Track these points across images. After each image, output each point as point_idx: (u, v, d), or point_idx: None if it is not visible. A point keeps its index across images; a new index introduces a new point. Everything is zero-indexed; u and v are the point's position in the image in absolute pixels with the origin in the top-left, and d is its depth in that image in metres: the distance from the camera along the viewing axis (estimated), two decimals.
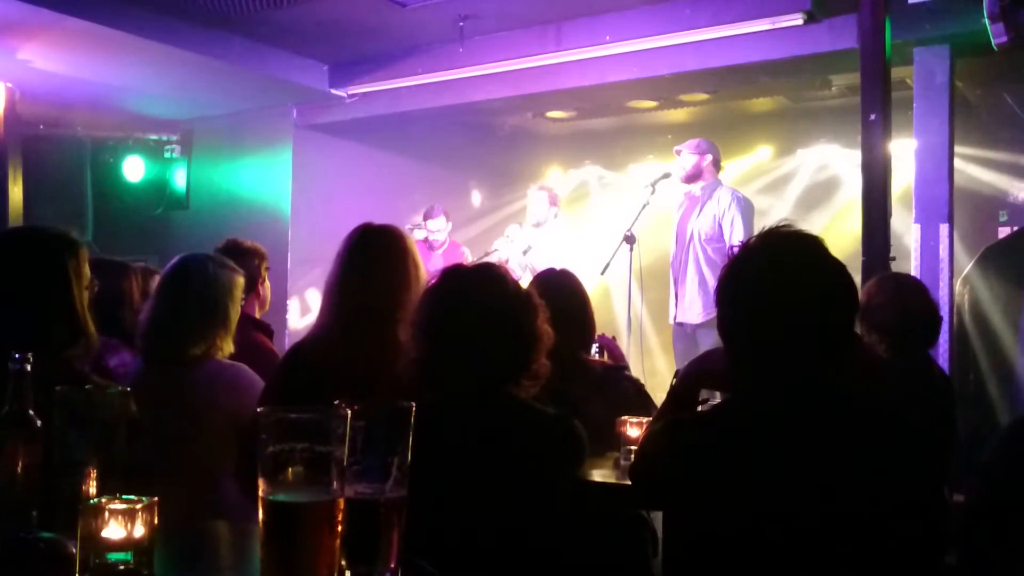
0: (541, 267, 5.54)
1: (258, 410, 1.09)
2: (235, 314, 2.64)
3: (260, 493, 1.06)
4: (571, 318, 2.73)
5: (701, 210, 5.51)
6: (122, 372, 2.82)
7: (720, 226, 5.40)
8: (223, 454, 2.41)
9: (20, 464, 1.37)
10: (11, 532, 1.29)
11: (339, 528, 1.09)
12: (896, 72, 4.44)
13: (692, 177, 5.59)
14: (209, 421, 2.44)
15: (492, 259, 5.86)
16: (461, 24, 5.62)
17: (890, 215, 4.14)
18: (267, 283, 3.49)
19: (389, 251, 2.41)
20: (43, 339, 1.83)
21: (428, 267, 5.71)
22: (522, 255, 6.11)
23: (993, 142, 6.45)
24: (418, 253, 2.48)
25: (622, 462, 2.36)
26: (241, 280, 2.69)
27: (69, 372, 1.85)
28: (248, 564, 1.48)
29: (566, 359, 2.42)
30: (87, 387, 1.49)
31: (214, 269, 2.62)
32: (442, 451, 1.69)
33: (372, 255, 2.41)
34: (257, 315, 3.43)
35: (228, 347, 2.60)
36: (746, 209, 5.45)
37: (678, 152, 5.67)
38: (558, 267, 3.14)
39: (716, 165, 5.63)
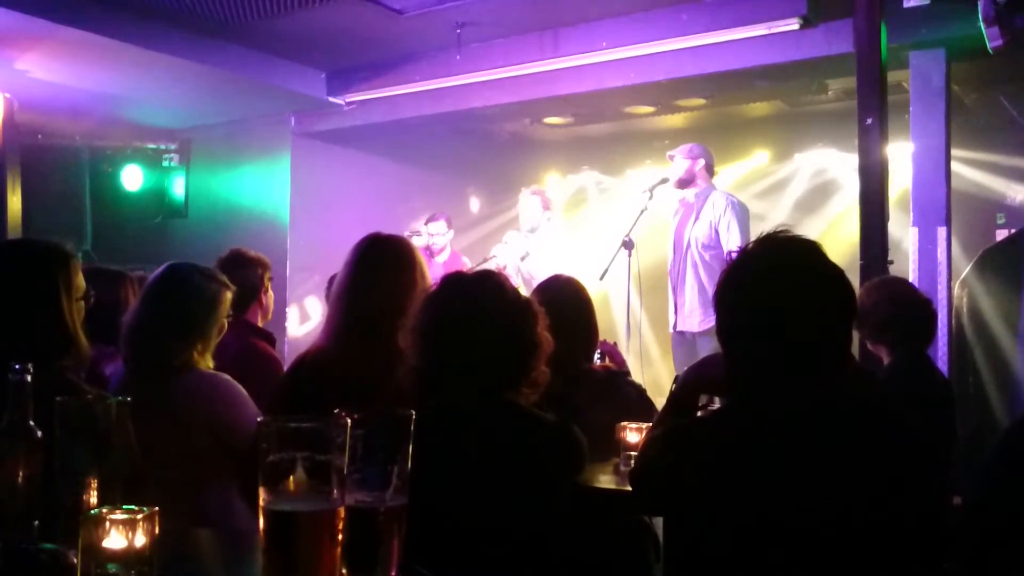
0: (538, 273, 5.60)
1: (259, 420, 1.09)
2: (215, 329, 2.56)
3: (260, 502, 1.07)
4: (574, 324, 2.74)
5: (697, 217, 5.48)
6: (116, 380, 2.82)
7: (716, 232, 5.38)
8: (205, 465, 2.39)
9: (21, 475, 1.38)
10: (12, 543, 1.29)
11: (339, 537, 1.10)
12: (892, 76, 4.45)
13: (685, 182, 5.56)
14: (189, 431, 2.40)
15: (490, 265, 5.87)
16: (458, 31, 5.63)
17: (887, 219, 4.15)
18: (270, 293, 3.49)
19: (397, 261, 2.40)
20: (31, 350, 1.84)
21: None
22: (519, 261, 6.11)
23: (990, 145, 6.46)
24: (425, 264, 2.47)
25: (622, 468, 2.36)
26: (229, 295, 2.61)
27: (61, 382, 1.85)
28: (236, 574, 1.49)
29: (569, 365, 2.42)
30: (87, 398, 1.49)
31: (199, 280, 2.55)
32: (442, 458, 1.69)
33: (380, 265, 2.40)
34: (259, 324, 3.43)
35: (206, 362, 2.52)
36: (741, 213, 5.42)
37: (671, 157, 5.66)
38: (563, 274, 3.13)
39: (709, 169, 5.60)
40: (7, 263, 2.02)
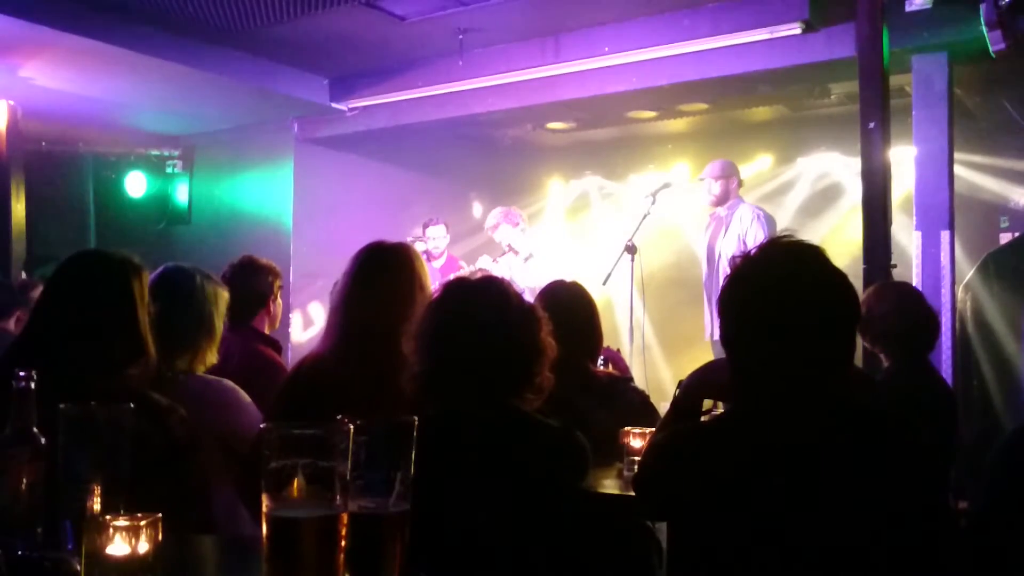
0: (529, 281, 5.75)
1: (261, 426, 1.09)
2: (217, 331, 2.57)
3: (263, 509, 1.06)
4: (578, 329, 2.73)
5: (726, 231, 5.71)
6: None
7: (744, 244, 5.52)
8: (210, 471, 2.39)
9: (24, 481, 1.38)
10: (16, 550, 1.29)
11: (343, 543, 1.09)
12: (895, 80, 4.45)
13: (721, 200, 5.80)
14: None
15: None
16: (460, 37, 5.64)
17: (890, 223, 4.15)
18: (279, 301, 3.46)
19: (397, 270, 2.39)
20: (106, 359, 1.89)
21: None
22: (523, 262, 6.19)
23: (993, 148, 6.46)
24: (426, 273, 2.45)
25: (625, 473, 2.35)
26: (226, 294, 2.65)
27: (128, 390, 1.86)
28: None
29: (572, 370, 2.42)
30: (92, 404, 1.49)
31: (201, 279, 2.59)
32: (446, 464, 1.69)
33: (380, 274, 2.39)
34: (266, 331, 3.42)
35: (212, 357, 2.55)
36: (768, 225, 5.67)
37: (702, 179, 5.86)
38: (566, 279, 3.12)
39: (738, 183, 5.87)
40: (85, 272, 2.04)
